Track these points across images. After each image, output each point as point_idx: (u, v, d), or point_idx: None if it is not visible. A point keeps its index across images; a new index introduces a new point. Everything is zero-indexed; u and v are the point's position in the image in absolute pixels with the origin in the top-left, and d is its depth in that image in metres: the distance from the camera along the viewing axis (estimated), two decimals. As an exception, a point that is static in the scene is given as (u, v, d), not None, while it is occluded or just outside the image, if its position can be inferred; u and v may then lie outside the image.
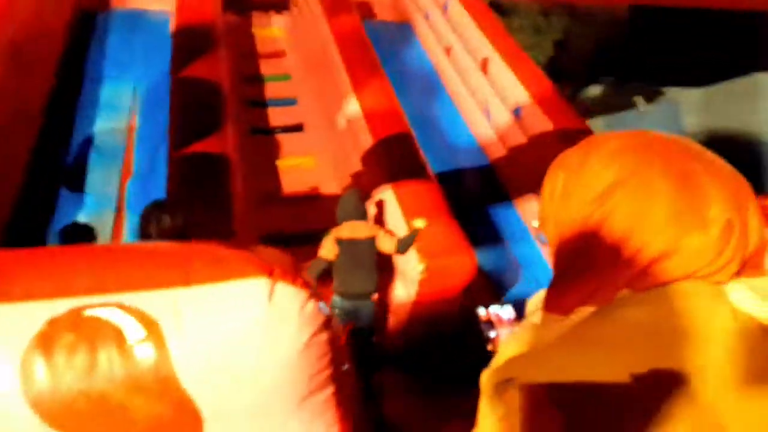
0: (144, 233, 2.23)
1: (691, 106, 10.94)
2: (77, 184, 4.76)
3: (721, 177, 0.60)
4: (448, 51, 6.11)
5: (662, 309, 0.56)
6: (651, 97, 12.26)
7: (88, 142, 5.19)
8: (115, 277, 1.02)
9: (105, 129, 5.33)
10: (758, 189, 0.66)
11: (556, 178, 0.66)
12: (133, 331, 1.02)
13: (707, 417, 0.52)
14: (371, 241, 3.42)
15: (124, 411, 1.01)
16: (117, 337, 1.00)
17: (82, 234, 2.81)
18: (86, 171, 4.88)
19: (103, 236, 4.43)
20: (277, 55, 6.71)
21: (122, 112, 5.54)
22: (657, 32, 14.08)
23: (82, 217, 4.35)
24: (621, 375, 0.52)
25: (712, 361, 0.54)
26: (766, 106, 9.91)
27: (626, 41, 15.02)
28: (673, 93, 12.34)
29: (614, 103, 12.56)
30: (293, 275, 1.08)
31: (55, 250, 1.09)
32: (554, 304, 0.62)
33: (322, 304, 1.10)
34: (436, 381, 3.12)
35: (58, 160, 4.89)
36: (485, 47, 5.50)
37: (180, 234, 2.20)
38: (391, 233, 3.53)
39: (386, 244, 3.41)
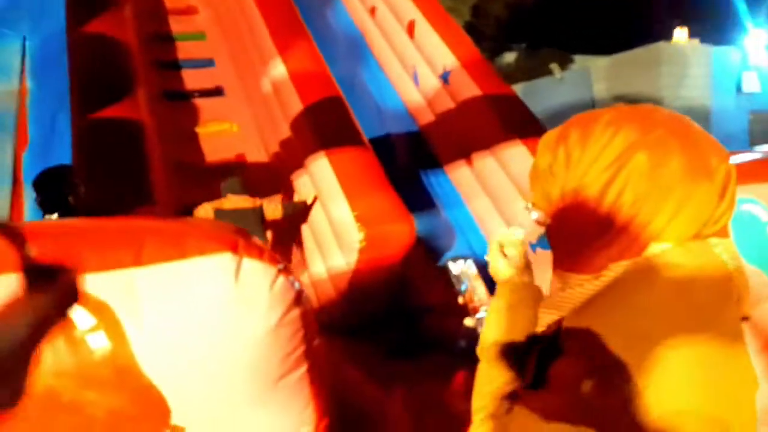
0: (54, 204, 1.97)
1: (600, 73, 11.57)
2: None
3: (706, 134, 0.65)
4: (372, 12, 5.95)
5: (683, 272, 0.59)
6: (563, 64, 12.82)
7: (-28, 106, 4.59)
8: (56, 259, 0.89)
9: (-9, 92, 4.75)
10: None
11: (555, 153, 0.66)
12: (81, 318, 0.90)
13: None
14: (258, 209, 3.59)
15: (77, 408, 0.90)
16: (63, 326, 0.88)
17: None
18: (-27, 140, 4.34)
19: None
20: (189, 11, 6.21)
21: (11, 74, 4.94)
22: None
23: (-29, 193, 3.87)
24: (652, 332, 0.56)
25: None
26: (666, 72, 10.68)
27: (536, 7, 15.51)
28: (583, 60, 12.99)
29: (529, 70, 13.03)
30: (260, 249, 1.00)
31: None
32: (581, 265, 0.64)
33: (292, 278, 1.03)
34: (376, 348, 3.15)
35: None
36: (411, 9, 5.41)
37: (92, 206, 2.01)
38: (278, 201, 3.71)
39: (273, 211, 3.65)
